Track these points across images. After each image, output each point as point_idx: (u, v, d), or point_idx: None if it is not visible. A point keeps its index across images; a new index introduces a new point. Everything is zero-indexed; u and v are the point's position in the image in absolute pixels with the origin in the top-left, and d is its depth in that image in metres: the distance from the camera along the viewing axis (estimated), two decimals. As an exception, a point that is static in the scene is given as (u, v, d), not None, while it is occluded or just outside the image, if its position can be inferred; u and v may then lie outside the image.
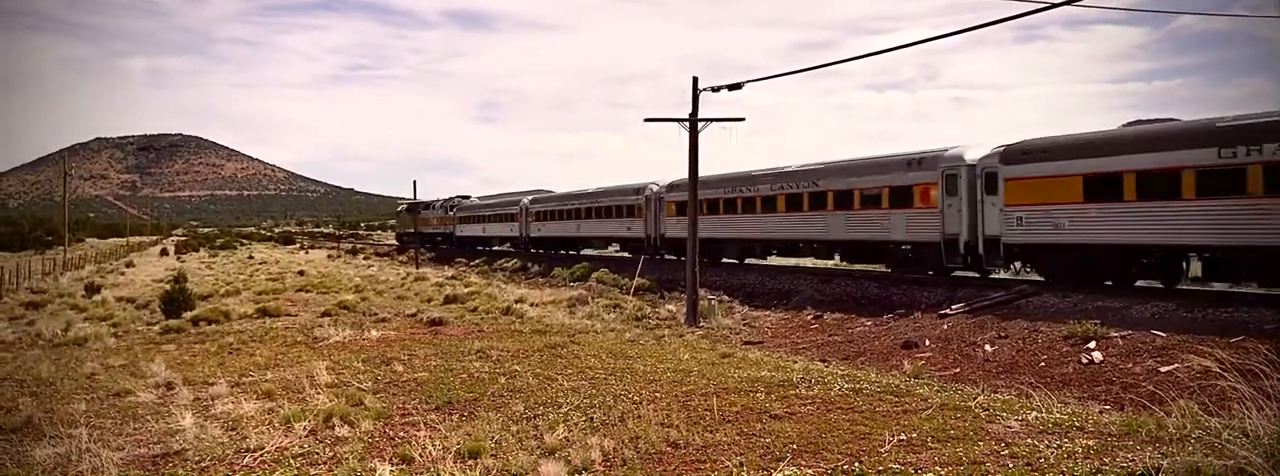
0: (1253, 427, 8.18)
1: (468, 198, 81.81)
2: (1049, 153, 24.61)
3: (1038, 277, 26.74)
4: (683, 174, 30.08)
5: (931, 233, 28.21)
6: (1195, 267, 22.53)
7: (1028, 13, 17.22)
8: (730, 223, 39.11)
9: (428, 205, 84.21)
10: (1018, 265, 28.46)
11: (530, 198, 64.91)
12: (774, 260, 41.25)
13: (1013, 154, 25.74)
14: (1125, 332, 18.02)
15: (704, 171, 29.23)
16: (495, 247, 71.73)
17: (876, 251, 31.44)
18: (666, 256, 45.38)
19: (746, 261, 40.98)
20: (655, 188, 47.21)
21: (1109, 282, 23.91)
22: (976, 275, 28.58)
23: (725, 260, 41.44)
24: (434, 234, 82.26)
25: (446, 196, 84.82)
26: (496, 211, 69.92)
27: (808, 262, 39.06)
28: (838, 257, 34.12)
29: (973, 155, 27.30)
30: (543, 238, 61.97)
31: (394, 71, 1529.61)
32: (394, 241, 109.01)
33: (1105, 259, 23.56)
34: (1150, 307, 19.61)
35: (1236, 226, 20.01)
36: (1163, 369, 15.79)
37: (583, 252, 57.88)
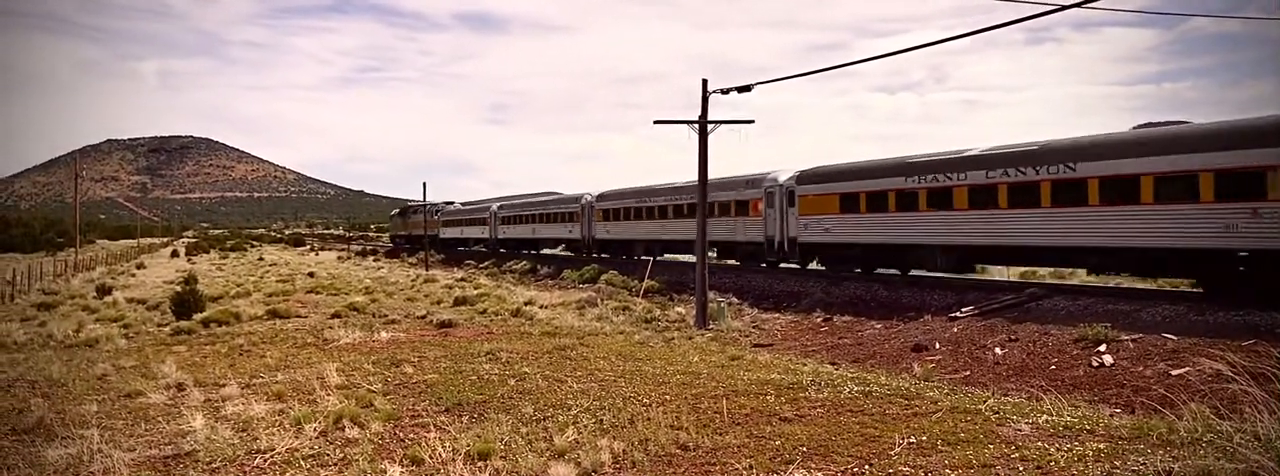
0: (1264, 431, 8.15)
1: (452, 204, 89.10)
2: (822, 177, 33.68)
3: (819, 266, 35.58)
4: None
5: (759, 234, 37.45)
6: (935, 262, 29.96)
7: (1038, 14, 17.19)
8: (637, 226, 48.76)
9: (417, 210, 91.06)
10: (814, 258, 36.08)
11: (498, 204, 72.58)
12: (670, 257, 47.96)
13: (804, 177, 34.65)
14: (1136, 336, 17.97)
15: (714, 172, 29.33)
16: (473, 247, 78.79)
17: (731, 248, 40.77)
18: (597, 254, 54.18)
19: (666, 256, 46.35)
20: (588, 197, 55.74)
21: (857, 269, 33.25)
22: (798, 266, 36.21)
23: (640, 257, 48.13)
24: (421, 236, 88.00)
25: (443, 201, 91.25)
26: (471, 216, 78.58)
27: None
28: (716, 253, 41.80)
29: (784, 178, 35.87)
30: (508, 239, 69.49)
31: (404, 73, 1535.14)
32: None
33: (854, 254, 32.72)
34: (1161, 311, 19.55)
35: (919, 230, 29.05)
36: (1174, 372, 15.74)
37: (542, 252, 64.38)
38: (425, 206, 75.26)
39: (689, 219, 40.92)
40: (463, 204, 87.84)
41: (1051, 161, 24.52)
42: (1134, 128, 24.78)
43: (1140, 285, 23.34)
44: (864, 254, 32.27)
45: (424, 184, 68.82)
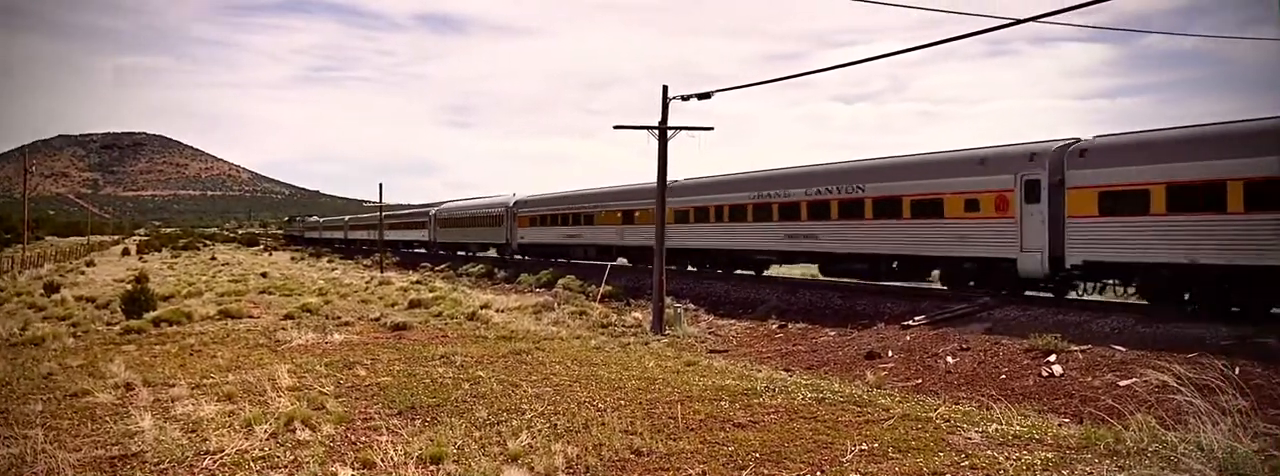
0: (1207, 442, 8.32)
1: (399, 210, 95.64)
2: (684, 190, 38.10)
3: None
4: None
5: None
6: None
7: (994, 28, 17.44)
8: (556, 230, 52.54)
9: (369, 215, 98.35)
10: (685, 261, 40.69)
11: (436, 209, 76.25)
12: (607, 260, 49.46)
13: (676, 188, 36.51)
14: (1085, 346, 18.22)
15: (673, 176, 29.40)
16: (415, 250, 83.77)
17: (622, 252, 46.05)
18: (519, 257, 58.08)
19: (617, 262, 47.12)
20: (510, 203, 59.15)
21: (693, 267, 39.90)
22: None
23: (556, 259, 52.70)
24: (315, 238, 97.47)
25: (417, 204, 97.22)
26: (415, 220, 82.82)
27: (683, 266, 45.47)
28: (624, 258, 46.00)
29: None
30: (444, 242, 73.19)
31: (363, 73, 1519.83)
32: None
33: (696, 256, 39.17)
34: (1110, 322, 19.83)
35: (735, 238, 35.46)
36: (1121, 383, 15.97)
37: (474, 255, 67.41)
38: (381, 209, 75.47)
39: (597, 225, 47.39)
40: (407, 209, 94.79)
41: (844, 182, 29.65)
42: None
43: (1097, 298, 23.70)
44: (707, 256, 39.36)
45: (381, 186, 68.15)
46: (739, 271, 37.75)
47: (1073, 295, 24.62)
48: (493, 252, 63.76)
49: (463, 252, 69.67)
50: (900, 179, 27.58)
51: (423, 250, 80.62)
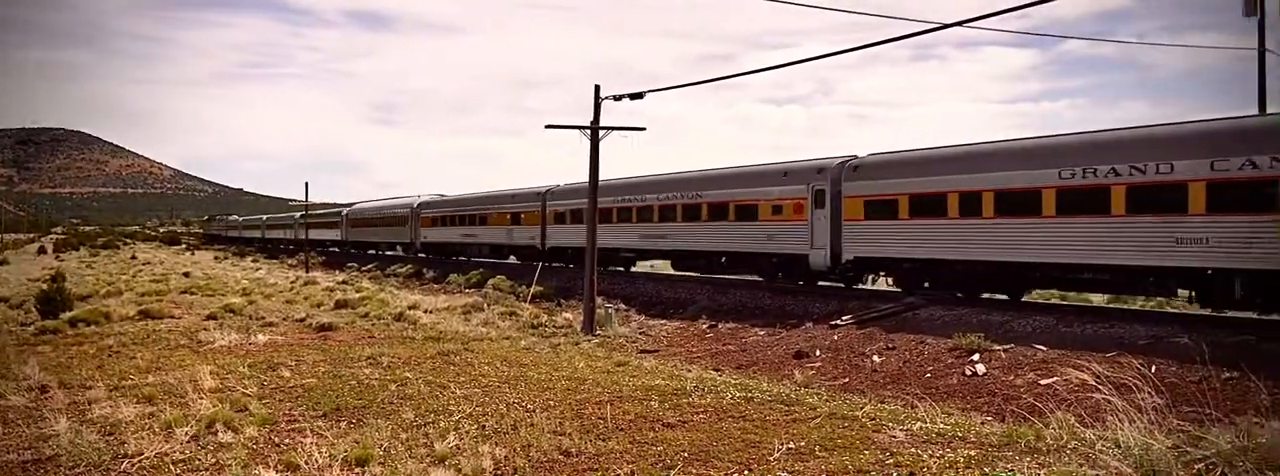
0: (1124, 439, 8.54)
1: (318, 209, 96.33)
2: (564, 194, 42.73)
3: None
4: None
5: (536, 240, 45.55)
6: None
7: (920, 32, 17.71)
8: (454, 230, 56.59)
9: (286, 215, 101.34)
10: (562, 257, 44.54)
11: (348, 210, 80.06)
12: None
13: (553, 193, 44.18)
14: (1008, 346, 18.57)
15: (605, 176, 29.42)
16: (329, 249, 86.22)
17: (511, 250, 50.05)
18: (424, 255, 61.62)
19: (610, 268, 48.56)
20: (415, 205, 63.15)
21: (572, 265, 41.54)
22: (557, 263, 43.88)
23: (475, 258, 54.50)
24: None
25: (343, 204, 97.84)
26: (329, 220, 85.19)
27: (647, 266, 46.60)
28: (514, 256, 50.38)
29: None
30: (356, 242, 76.57)
31: (292, 69, 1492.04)
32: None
33: (574, 254, 40.78)
34: (1032, 322, 20.24)
35: (603, 238, 33.96)
36: (1043, 381, 16.30)
37: (385, 254, 70.95)
38: (307, 207, 74.82)
39: (490, 226, 51.75)
40: (323, 209, 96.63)
41: (687, 189, 33.89)
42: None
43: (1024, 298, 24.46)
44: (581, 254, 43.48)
45: (306, 184, 67.70)
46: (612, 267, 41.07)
47: (861, 285, 29.65)
48: (399, 251, 68.19)
49: (372, 252, 73.91)
50: (729, 187, 31.97)
51: (336, 249, 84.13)
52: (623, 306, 31.82)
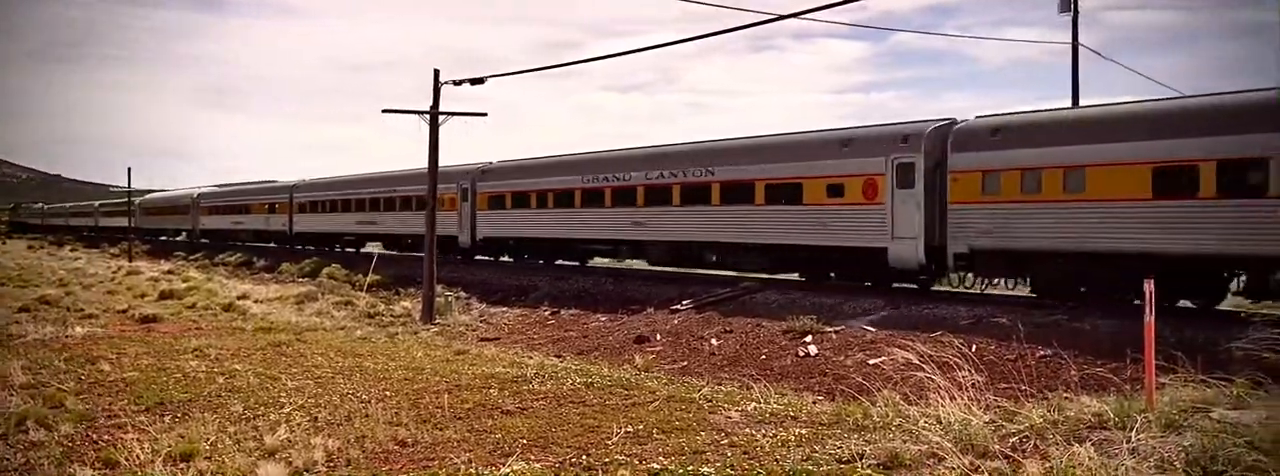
0: (945, 415, 8.93)
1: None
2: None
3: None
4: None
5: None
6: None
7: (757, 23, 18.10)
8: (223, 219, 65.31)
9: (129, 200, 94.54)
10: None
11: (140, 200, 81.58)
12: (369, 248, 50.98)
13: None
14: (839, 328, 19.18)
15: (444, 162, 29.01)
16: (175, 238, 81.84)
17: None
18: (204, 241, 67.60)
19: (477, 258, 45.22)
20: (196, 194, 71.13)
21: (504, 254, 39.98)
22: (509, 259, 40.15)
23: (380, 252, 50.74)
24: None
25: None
26: (174, 204, 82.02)
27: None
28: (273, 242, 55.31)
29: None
30: (147, 229, 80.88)
31: (117, 52, 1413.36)
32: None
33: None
34: (862, 304, 20.96)
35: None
36: (871, 361, 16.88)
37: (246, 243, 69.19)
38: (129, 193, 71.51)
39: (252, 214, 57.90)
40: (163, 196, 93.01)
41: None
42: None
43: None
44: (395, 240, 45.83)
45: (129, 169, 64.98)
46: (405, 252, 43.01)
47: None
48: (182, 237, 74.77)
49: (149, 237, 80.00)
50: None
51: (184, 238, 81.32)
52: (464, 294, 31.47)
